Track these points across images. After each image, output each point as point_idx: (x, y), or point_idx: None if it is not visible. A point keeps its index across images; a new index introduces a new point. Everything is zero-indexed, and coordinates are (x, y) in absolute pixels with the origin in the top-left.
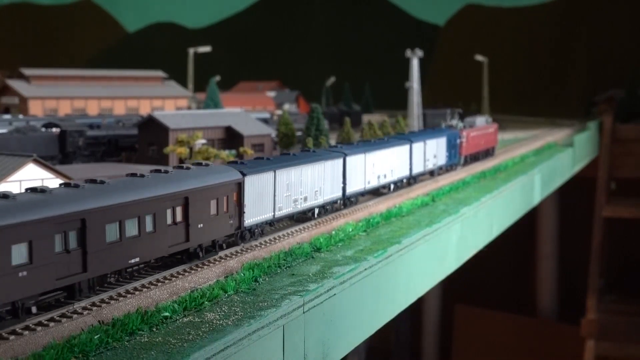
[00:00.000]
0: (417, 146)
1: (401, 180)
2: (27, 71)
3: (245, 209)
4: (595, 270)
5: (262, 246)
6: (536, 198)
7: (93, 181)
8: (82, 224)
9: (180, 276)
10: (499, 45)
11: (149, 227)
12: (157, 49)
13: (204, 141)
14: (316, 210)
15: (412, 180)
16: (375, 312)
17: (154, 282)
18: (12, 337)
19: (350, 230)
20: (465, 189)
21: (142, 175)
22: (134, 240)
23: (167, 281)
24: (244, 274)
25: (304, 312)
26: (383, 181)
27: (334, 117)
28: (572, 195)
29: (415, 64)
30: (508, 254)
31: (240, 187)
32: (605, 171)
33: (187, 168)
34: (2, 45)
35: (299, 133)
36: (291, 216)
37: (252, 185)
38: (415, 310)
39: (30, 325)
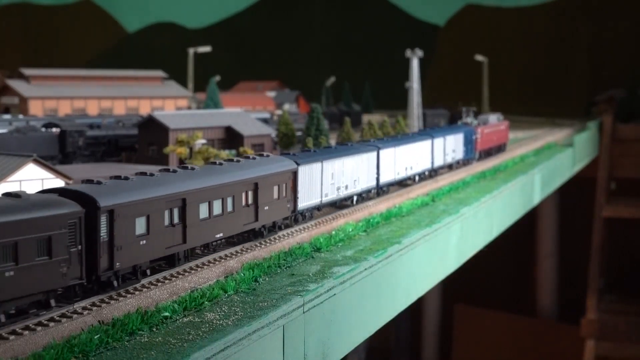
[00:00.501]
0: (438, 141)
1: (424, 172)
2: (27, 71)
3: (299, 195)
4: (595, 270)
5: (262, 246)
6: (536, 198)
7: (184, 167)
8: (183, 202)
9: (180, 276)
10: (499, 45)
11: (229, 207)
12: (157, 49)
13: (204, 141)
14: (355, 198)
15: (433, 172)
16: (375, 312)
17: (154, 282)
18: (12, 337)
19: (350, 230)
20: (465, 189)
21: (220, 164)
22: (218, 218)
23: (167, 281)
24: (244, 274)
25: (304, 312)
26: (410, 173)
27: (334, 117)
28: (572, 195)
29: (415, 64)
30: (508, 254)
31: (295, 175)
32: (605, 171)
33: (253, 158)
34: (2, 45)
35: (299, 133)
36: (334, 202)
37: (304, 174)
38: (415, 310)
39: (30, 325)
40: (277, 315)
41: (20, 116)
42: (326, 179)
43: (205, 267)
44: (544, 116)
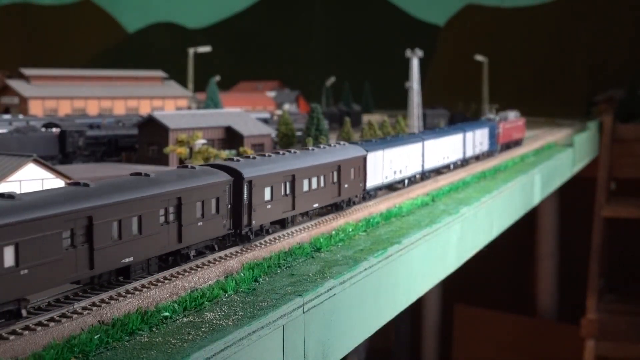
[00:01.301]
0: (469, 135)
1: (458, 161)
2: (27, 71)
3: (368, 176)
4: (595, 270)
5: (262, 246)
6: (536, 198)
7: (289, 151)
8: (293, 178)
9: (180, 276)
10: (499, 45)
11: (322, 184)
12: (157, 49)
13: (204, 141)
14: (406, 181)
15: (465, 162)
16: (375, 312)
17: (154, 282)
18: (12, 337)
19: (350, 230)
20: (465, 189)
21: (312, 149)
22: (314, 191)
23: (167, 281)
24: (244, 274)
25: (304, 312)
26: (447, 161)
27: (334, 117)
28: (572, 195)
29: (415, 64)
30: (508, 254)
31: (365, 160)
32: (605, 171)
33: (335, 145)
34: (2, 45)
35: (299, 133)
36: (390, 184)
37: (371, 159)
38: (415, 310)
39: (30, 325)
40: (277, 315)
41: (20, 116)
42: (386, 164)
43: (205, 267)
44: (544, 116)
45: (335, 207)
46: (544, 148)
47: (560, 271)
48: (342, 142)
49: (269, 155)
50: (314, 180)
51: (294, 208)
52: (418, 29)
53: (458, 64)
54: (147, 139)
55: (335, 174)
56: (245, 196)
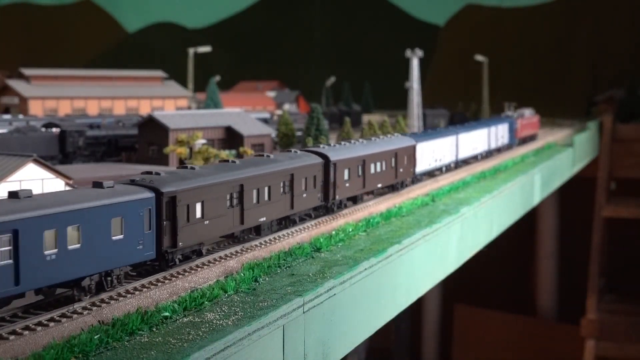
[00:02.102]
0: (493, 130)
1: (484, 152)
2: (27, 71)
3: (417, 163)
4: (595, 270)
5: (262, 246)
6: (536, 198)
7: (359, 140)
8: (363, 162)
9: (180, 276)
10: (499, 45)
11: (384, 167)
12: (157, 49)
13: (204, 141)
14: (444, 168)
15: (489, 153)
16: (375, 312)
17: (154, 282)
18: (12, 337)
19: (350, 230)
20: (465, 189)
21: (375, 139)
22: (379, 173)
23: (167, 281)
24: (244, 274)
25: (304, 312)
26: (475, 152)
27: (334, 117)
28: (572, 195)
29: (415, 64)
30: (508, 254)
31: (415, 149)
32: (605, 171)
33: (392, 136)
34: (2, 45)
35: (299, 133)
36: (432, 171)
37: (419, 149)
38: (415, 310)
39: (30, 325)
40: (277, 315)
41: (20, 116)
42: (430, 153)
43: (205, 267)
44: (544, 116)
45: (392, 188)
46: (544, 148)
47: (560, 271)
48: (396, 134)
49: (346, 143)
50: (379, 164)
51: (364, 187)
52: (418, 29)
53: (458, 64)
54: (147, 139)
55: (393, 160)
56: (332, 175)
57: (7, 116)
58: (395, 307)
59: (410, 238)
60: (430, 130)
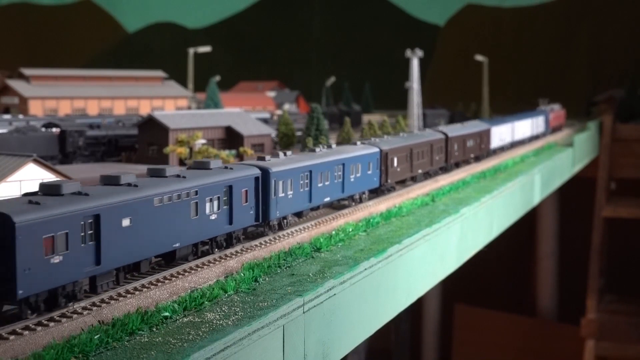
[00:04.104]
0: (534, 120)
1: (528, 138)
2: (27, 71)
3: (492, 141)
4: (595, 270)
5: (262, 246)
6: (536, 198)
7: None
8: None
9: (180, 276)
10: (499, 45)
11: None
12: (157, 49)
13: (204, 141)
14: (504, 147)
15: (532, 138)
16: (375, 312)
17: (154, 282)
18: (12, 337)
19: (350, 230)
20: (465, 189)
21: (465, 124)
22: (469, 148)
23: (167, 281)
24: (244, 274)
25: (304, 312)
26: (523, 137)
27: (334, 117)
28: (572, 195)
29: (415, 64)
30: (508, 254)
31: (490, 132)
32: (605, 171)
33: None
34: (2, 45)
35: (299, 133)
36: (499, 148)
37: (492, 132)
38: (415, 310)
39: (30, 325)
40: (277, 315)
41: (20, 116)
42: (498, 135)
43: (205, 267)
44: None
45: (476, 158)
46: (544, 148)
47: (560, 271)
48: (477, 120)
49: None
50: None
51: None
52: (418, 29)
53: (458, 64)
54: (147, 139)
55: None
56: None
57: (7, 116)
58: (395, 307)
59: (410, 238)
60: (496, 119)
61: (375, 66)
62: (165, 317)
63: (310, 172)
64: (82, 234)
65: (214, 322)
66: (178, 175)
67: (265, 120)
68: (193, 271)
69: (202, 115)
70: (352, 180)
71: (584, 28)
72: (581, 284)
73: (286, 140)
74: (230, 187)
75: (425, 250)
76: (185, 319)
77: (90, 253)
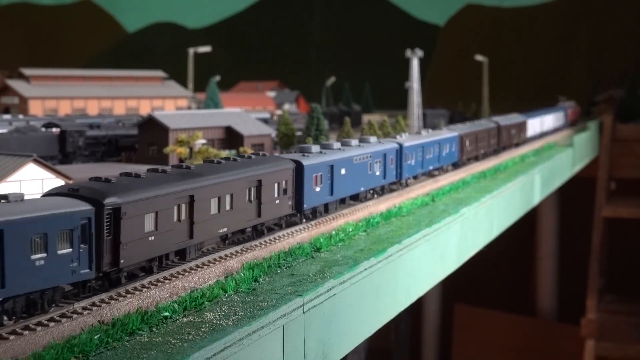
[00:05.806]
0: (556, 115)
1: (552, 130)
2: (27, 71)
3: (528, 131)
4: (595, 270)
5: (262, 246)
6: (536, 198)
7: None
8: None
9: (180, 276)
10: (499, 45)
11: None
12: (157, 49)
13: (204, 141)
14: (536, 137)
15: (555, 130)
16: (375, 312)
17: (154, 282)
18: (12, 337)
19: (350, 230)
20: (465, 189)
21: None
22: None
23: (167, 281)
24: (244, 274)
25: (304, 312)
26: (549, 129)
27: (334, 117)
28: (572, 195)
29: (415, 64)
30: (508, 254)
31: (526, 123)
32: (605, 171)
33: (513, 115)
34: (2, 45)
35: (299, 133)
36: (532, 138)
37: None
38: (415, 310)
39: (30, 325)
40: (277, 315)
41: (20, 116)
42: (531, 126)
43: (205, 267)
44: None
45: (516, 144)
46: (544, 148)
47: (560, 271)
48: (513, 114)
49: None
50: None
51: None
52: (418, 29)
53: (458, 64)
54: (147, 139)
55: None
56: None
57: (7, 116)
58: (395, 307)
59: (410, 238)
60: (531, 112)
61: (375, 66)
62: (165, 317)
63: (423, 147)
64: (328, 174)
65: (214, 322)
66: (358, 145)
67: (265, 120)
68: (193, 271)
69: (202, 115)
70: (444, 155)
71: (584, 28)
72: (581, 284)
73: (286, 140)
74: (385, 155)
75: (425, 250)
76: (185, 319)
77: (327, 188)
